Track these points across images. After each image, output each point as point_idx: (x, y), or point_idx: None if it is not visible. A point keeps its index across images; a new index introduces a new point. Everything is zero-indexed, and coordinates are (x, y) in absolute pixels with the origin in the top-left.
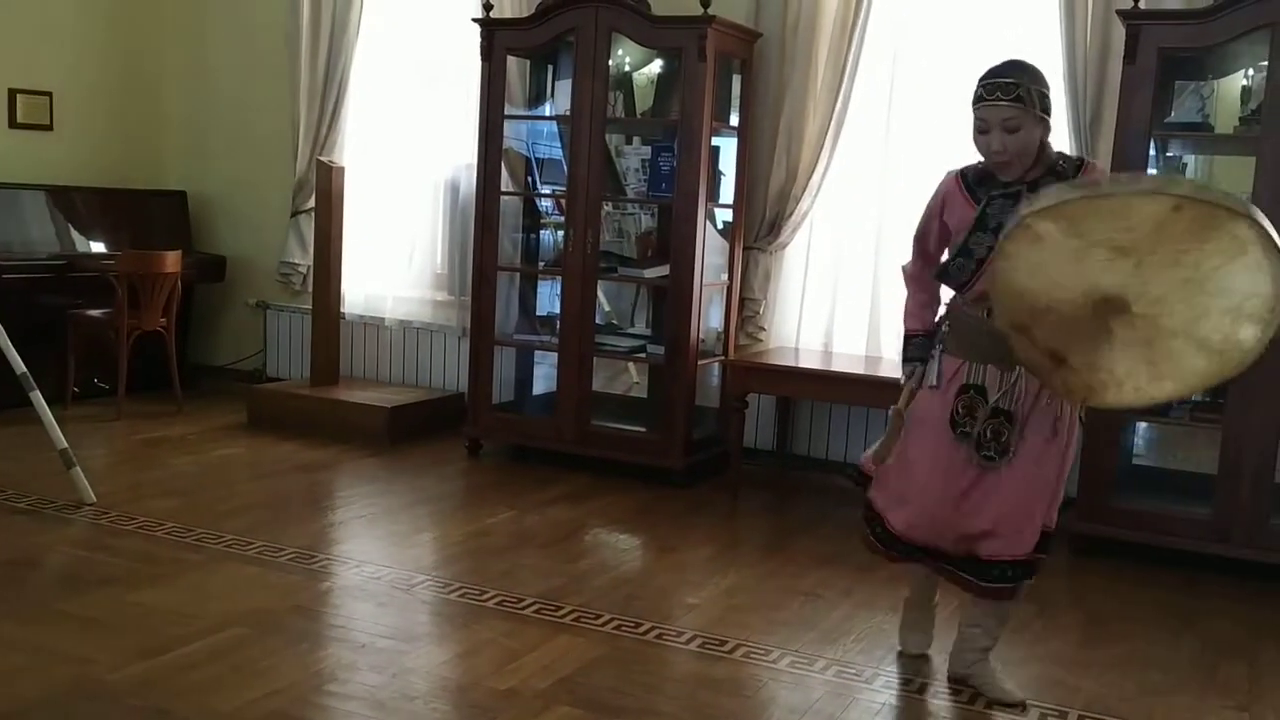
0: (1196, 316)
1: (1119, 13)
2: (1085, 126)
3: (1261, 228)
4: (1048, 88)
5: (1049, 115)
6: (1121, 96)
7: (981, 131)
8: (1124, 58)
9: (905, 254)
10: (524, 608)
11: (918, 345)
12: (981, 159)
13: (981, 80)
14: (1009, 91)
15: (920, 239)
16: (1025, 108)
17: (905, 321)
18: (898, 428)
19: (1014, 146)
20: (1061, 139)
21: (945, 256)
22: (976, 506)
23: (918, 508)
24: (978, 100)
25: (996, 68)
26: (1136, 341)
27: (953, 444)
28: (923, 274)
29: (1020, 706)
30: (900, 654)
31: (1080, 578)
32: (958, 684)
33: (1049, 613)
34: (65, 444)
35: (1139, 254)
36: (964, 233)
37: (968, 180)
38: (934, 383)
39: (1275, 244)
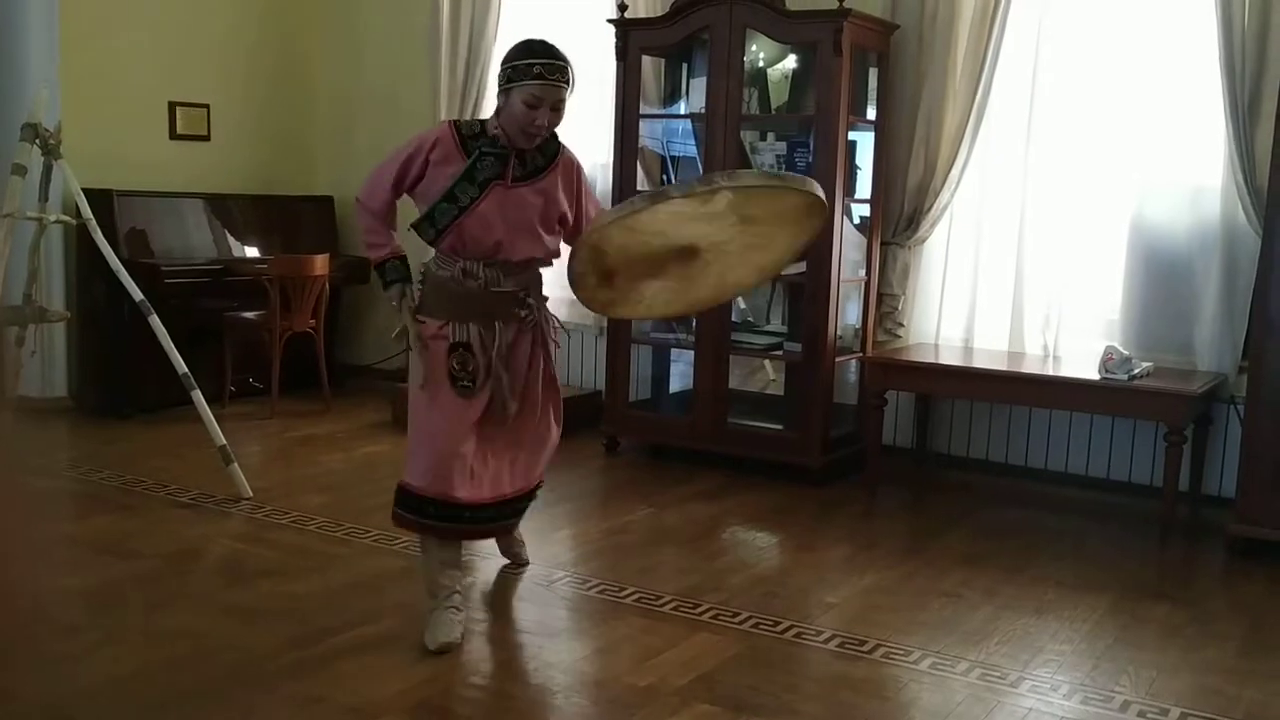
0: (734, 267)
1: None
2: (1243, 109)
3: (822, 225)
4: None
5: None
6: None
7: (531, 106)
8: None
9: (1049, 247)
10: (662, 605)
11: (396, 268)
12: (490, 120)
13: (537, 58)
14: (565, 75)
15: (396, 175)
16: (570, 92)
17: (372, 252)
18: (420, 350)
19: (554, 125)
20: (1218, 121)
21: (420, 203)
22: (501, 452)
23: (449, 461)
24: (536, 77)
25: (547, 48)
26: (681, 277)
27: (458, 399)
28: (386, 209)
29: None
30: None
31: (1240, 583)
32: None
33: (1204, 619)
34: (224, 441)
35: (754, 225)
36: (451, 180)
37: (461, 132)
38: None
39: (812, 239)
